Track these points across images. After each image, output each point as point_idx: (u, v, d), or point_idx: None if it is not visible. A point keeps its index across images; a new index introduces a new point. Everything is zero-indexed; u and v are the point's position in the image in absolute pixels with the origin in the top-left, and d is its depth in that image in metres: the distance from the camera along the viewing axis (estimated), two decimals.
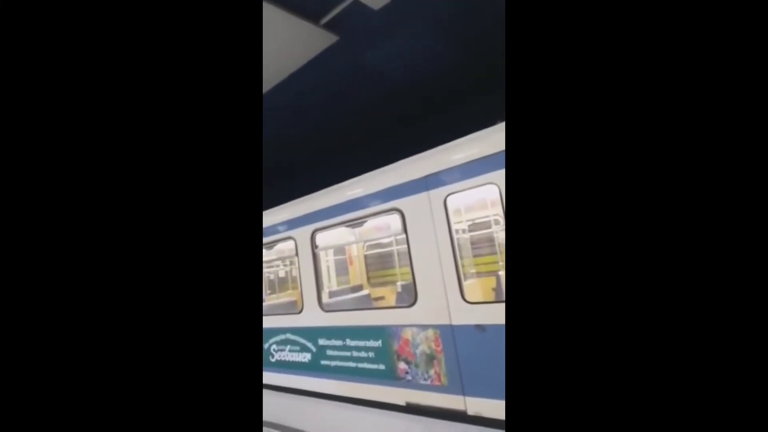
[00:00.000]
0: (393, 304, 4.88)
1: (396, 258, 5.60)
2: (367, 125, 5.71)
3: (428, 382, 3.27)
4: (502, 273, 3.91)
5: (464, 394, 3.06)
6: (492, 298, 3.90)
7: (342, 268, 5.98)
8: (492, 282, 4.04)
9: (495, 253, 4.55)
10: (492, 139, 3.06)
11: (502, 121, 3.18)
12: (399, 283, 4.98)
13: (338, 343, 3.99)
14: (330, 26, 3.68)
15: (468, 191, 3.18)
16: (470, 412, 3.02)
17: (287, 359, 4.48)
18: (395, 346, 3.51)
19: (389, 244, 5.56)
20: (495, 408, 2.89)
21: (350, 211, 4.00)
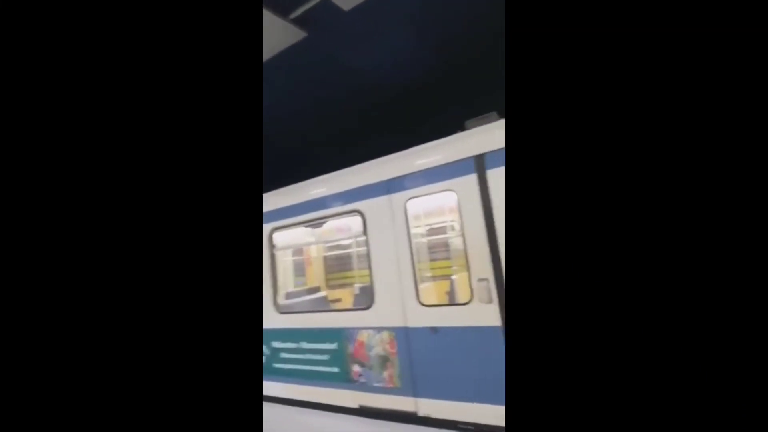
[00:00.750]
0: (350, 306, 4.86)
1: (355, 260, 5.59)
2: (333, 125, 5.67)
3: (381, 384, 3.29)
4: (456, 277, 4.04)
5: (416, 395, 3.11)
6: (446, 301, 4.01)
7: (299, 269, 5.86)
8: (446, 286, 4.15)
9: (449, 258, 4.69)
10: (453, 147, 3.16)
11: (463, 129, 3.30)
12: (357, 286, 4.98)
13: (292, 345, 3.90)
14: (299, 22, 3.63)
15: (427, 196, 3.26)
16: (421, 414, 3.08)
17: None
18: (350, 349, 3.50)
19: (349, 246, 5.54)
20: (445, 409, 2.96)
21: (311, 210, 3.95)
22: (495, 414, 2.73)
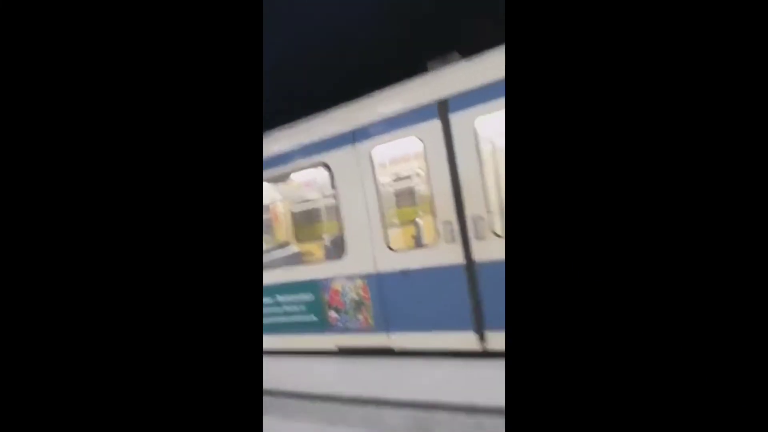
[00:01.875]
0: (322, 258, 4.96)
1: (324, 213, 5.61)
2: (294, 80, 5.35)
3: (357, 325, 3.51)
4: (422, 222, 4.20)
5: (389, 331, 3.36)
6: (412, 245, 4.19)
7: (267, 227, 5.81)
8: (412, 231, 4.31)
9: (414, 204, 4.82)
10: (415, 92, 3.12)
11: (425, 71, 3.24)
12: (327, 238, 5.05)
13: (268, 300, 3.99)
14: None
15: (391, 143, 3.27)
16: (395, 347, 3.35)
17: None
18: (326, 298, 3.65)
19: (316, 199, 5.51)
20: (415, 340, 3.24)
21: (275, 165, 3.85)
22: (458, 339, 3.04)
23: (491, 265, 2.85)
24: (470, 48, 3.11)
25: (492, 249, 2.84)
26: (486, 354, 2.97)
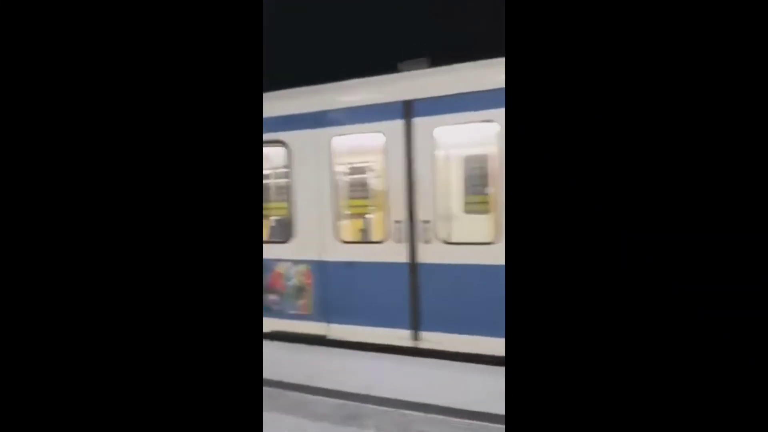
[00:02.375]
0: (265, 238, 4.81)
1: (272, 192, 5.41)
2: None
3: (295, 311, 3.50)
4: (372, 217, 4.28)
5: (328, 321, 3.41)
6: (360, 238, 4.26)
7: None
8: (361, 224, 4.38)
9: (366, 197, 4.87)
10: (386, 88, 3.15)
11: (395, 71, 3.28)
12: (272, 218, 4.89)
13: None
14: None
15: (352, 135, 3.27)
16: (331, 337, 3.42)
17: None
18: (267, 279, 3.57)
19: (265, 177, 5.29)
20: (352, 332, 3.34)
21: None
22: (394, 335, 3.20)
23: (433, 267, 3.03)
24: (440, 56, 3.22)
25: (435, 253, 3.02)
26: (418, 352, 3.17)
